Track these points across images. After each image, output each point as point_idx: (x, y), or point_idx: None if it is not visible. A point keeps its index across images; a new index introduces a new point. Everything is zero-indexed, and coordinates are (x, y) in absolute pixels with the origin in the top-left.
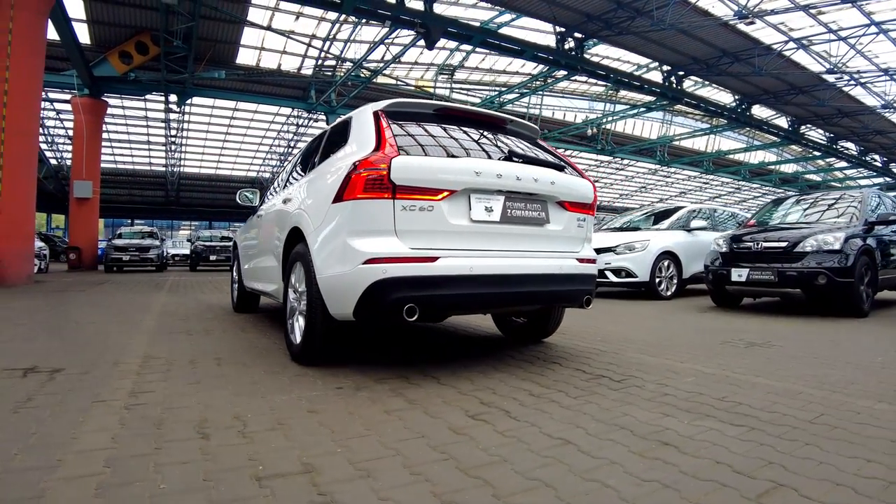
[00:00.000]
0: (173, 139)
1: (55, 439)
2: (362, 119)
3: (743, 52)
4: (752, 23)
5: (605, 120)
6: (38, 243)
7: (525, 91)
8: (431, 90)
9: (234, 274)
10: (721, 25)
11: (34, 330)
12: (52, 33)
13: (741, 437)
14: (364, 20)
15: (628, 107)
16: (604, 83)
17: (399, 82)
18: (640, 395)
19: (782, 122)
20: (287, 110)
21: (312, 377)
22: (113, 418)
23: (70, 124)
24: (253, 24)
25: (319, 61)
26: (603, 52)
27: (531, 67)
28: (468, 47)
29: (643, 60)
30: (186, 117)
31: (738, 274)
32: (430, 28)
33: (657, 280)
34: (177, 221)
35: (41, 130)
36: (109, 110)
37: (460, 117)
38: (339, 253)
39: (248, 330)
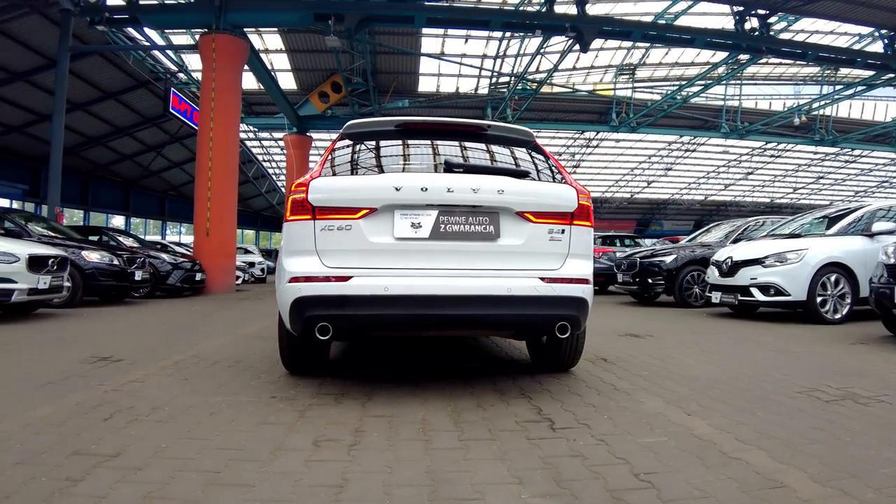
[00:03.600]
0: None
1: (26, 406)
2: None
3: None
4: None
5: (814, 105)
6: (258, 258)
7: (707, 82)
8: (609, 93)
9: None
10: None
11: (163, 329)
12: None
13: None
14: (528, 34)
15: (842, 86)
16: (810, 63)
17: (573, 89)
18: (539, 452)
19: None
20: None
21: (274, 384)
22: (82, 397)
23: None
24: (426, 55)
25: (493, 79)
26: (810, 27)
27: (722, 56)
28: (645, 44)
29: (865, 30)
30: None
31: None
32: (583, 30)
33: (819, 299)
34: None
35: (270, 163)
36: (320, 143)
37: (426, 130)
38: (280, 271)
39: None
